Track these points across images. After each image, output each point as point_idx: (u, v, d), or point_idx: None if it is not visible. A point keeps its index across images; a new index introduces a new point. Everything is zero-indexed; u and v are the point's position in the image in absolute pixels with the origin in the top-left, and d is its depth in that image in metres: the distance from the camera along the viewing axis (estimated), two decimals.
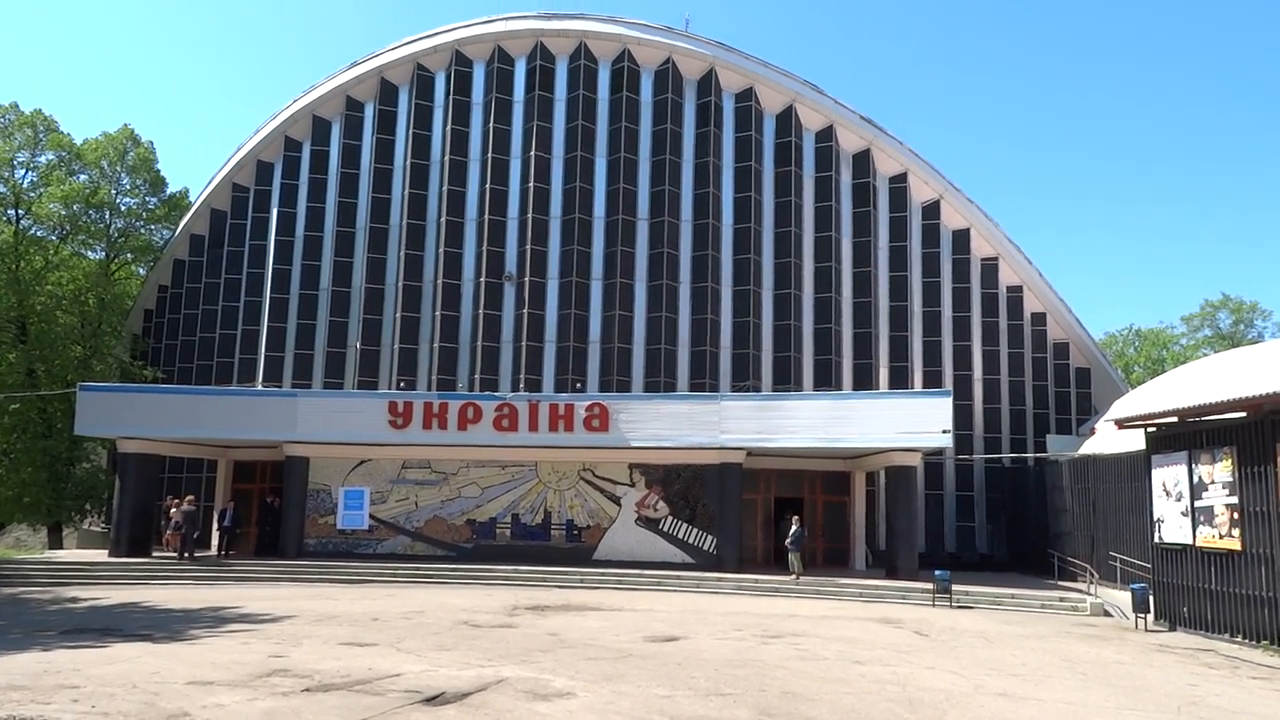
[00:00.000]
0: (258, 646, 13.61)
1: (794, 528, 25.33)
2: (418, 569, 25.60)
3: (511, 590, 23.29)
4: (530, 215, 32.90)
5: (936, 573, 22.44)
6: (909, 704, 10.43)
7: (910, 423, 24.96)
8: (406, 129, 34.42)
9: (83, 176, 36.62)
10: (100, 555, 28.16)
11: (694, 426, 26.24)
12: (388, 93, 34.91)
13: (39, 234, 36.29)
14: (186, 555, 26.86)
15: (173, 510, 28.16)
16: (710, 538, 27.23)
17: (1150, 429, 19.46)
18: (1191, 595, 17.99)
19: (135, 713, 9.08)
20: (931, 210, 34.61)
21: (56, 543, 35.98)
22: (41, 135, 35.94)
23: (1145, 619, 18.75)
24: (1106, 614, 20.83)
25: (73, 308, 35.07)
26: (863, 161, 34.27)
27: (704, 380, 31.79)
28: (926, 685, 11.59)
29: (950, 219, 34.68)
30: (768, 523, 30.10)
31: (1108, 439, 25.78)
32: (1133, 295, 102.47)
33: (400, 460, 28.39)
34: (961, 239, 34.68)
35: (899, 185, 34.51)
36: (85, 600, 20.05)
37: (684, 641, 15.01)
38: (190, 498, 28.53)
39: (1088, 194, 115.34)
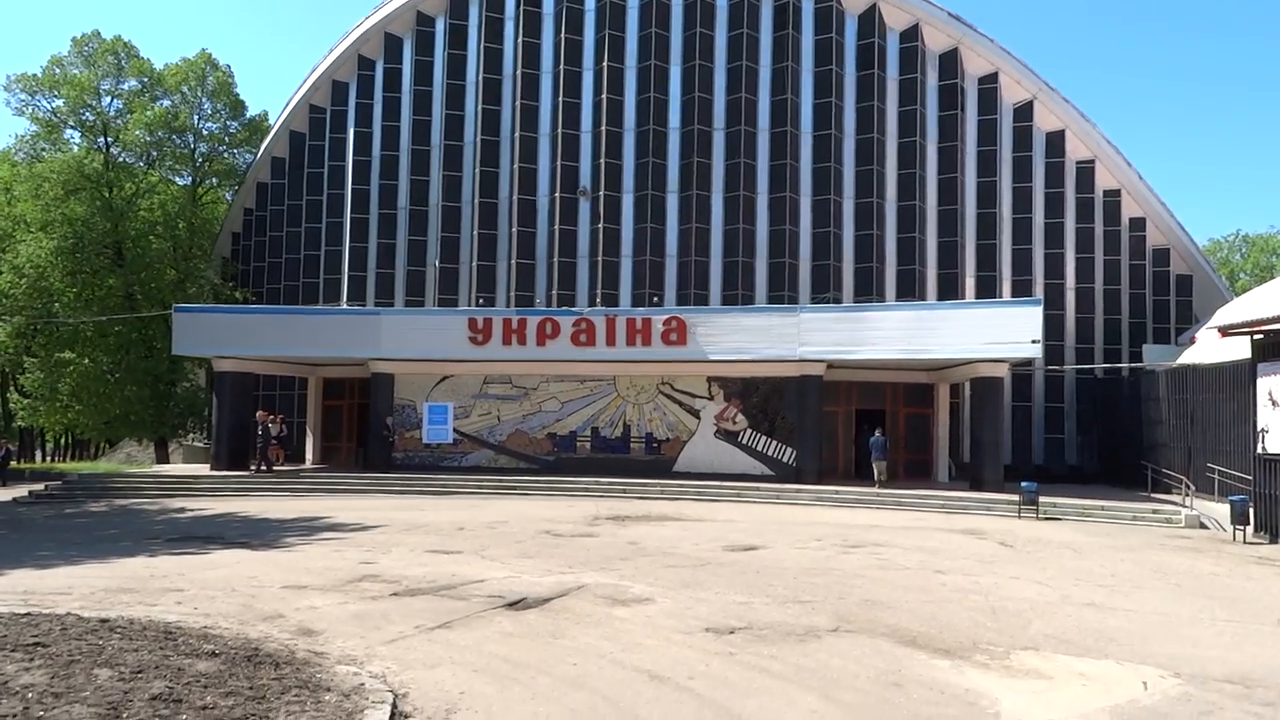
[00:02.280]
0: (348, 554, 14.12)
1: (876, 435, 25.49)
2: (501, 481, 26.22)
3: (592, 501, 23.68)
4: (604, 128, 32.38)
5: (1023, 484, 22.02)
6: (992, 613, 10.26)
7: (997, 333, 24.18)
8: (478, 43, 33.97)
9: (165, 102, 37.27)
10: (202, 469, 29.55)
11: (772, 339, 25.94)
12: (458, 6, 34.39)
13: (128, 161, 37.28)
14: (262, 467, 27.65)
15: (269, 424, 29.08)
16: (790, 450, 27.16)
17: (1257, 336, 18.48)
18: None
19: (234, 614, 9.50)
20: (1024, 112, 32.90)
21: (163, 457, 37.91)
22: (123, 62, 36.63)
23: (1244, 531, 18.07)
24: (1202, 526, 20.15)
25: (165, 232, 36.15)
26: (950, 62, 32.63)
27: (783, 293, 31.26)
28: (1011, 595, 11.38)
29: (1044, 121, 32.93)
30: (848, 435, 29.83)
31: (1208, 348, 24.61)
32: (1241, 200, 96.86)
33: (481, 376, 28.81)
34: (1056, 142, 32.97)
35: (989, 86, 32.82)
36: (189, 510, 21.11)
37: (763, 551, 15.05)
38: (261, 413, 29.19)
39: (1194, 91, 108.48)
